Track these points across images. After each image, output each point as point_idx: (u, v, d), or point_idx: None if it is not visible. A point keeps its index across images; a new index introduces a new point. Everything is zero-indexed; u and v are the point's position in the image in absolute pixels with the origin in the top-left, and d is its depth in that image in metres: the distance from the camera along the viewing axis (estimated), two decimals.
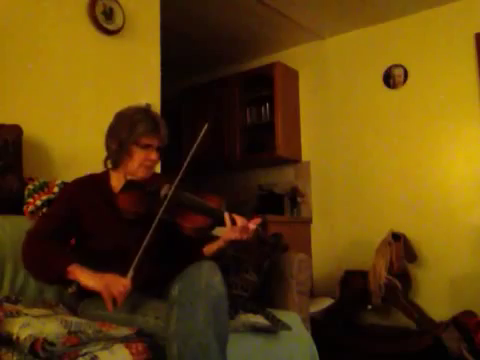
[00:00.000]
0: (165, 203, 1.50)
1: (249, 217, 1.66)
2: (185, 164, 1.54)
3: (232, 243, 1.68)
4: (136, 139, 1.65)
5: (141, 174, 1.69)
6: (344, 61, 4.03)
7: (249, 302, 1.88)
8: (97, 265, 1.49)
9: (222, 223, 1.62)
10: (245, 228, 1.61)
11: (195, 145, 1.54)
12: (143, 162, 1.68)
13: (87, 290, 1.61)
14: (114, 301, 1.39)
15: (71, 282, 1.46)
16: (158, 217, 1.48)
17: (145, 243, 1.44)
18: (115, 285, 1.40)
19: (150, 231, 1.45)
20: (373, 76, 3.84)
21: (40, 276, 1.60)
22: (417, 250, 3.42)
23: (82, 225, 1.64)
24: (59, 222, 1.62)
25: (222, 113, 4.33)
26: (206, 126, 1.56)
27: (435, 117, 3.53)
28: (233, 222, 1.61)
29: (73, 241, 1.72)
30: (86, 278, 1.44)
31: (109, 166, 1.76)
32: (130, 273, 1.42)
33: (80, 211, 1.64)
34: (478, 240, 3.28)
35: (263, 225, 1.66)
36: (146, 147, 1.67)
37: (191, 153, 1.54)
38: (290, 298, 2.05)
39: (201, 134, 1.56)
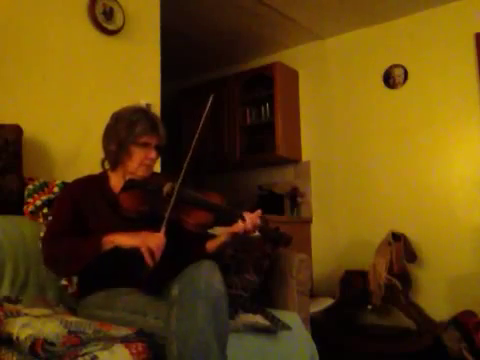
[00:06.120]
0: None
1: None
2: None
3: (236, 237, 1.69)
4: (135, 138, 1.66)
5: (141, 173, 1.70)
6: (344, 61, 4.03)
7: (249, 302, 1.88)
8: (101, 264, 1.51)
9: (225, 218, 1.63)
10: (250, 220, 1.62)
11: (202, 119, 1.56)
12: (143, 161, 1.68)
13: (87, 289, 1.62)
14: (152, 255, 1.44)
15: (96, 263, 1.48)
16: (167, 215, 1.49)
17: (171, 204, 1.48)
18: (151, 239, 1.46)
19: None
20: (373, 76, 3.84)
21: (71, 267, 1.55)
22: (417, 250, 3.42)
23: (85, 225, 1.64)
24: (68, 224, 1.62)
25: (222, 113, 4.33)
26: (211, 98, 1.58)
27: (435, 117, 3.54)
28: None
29: None
30: (123, 239, 1.49)
31: (106, 167, 1.76)
32: (163, 228, 1.47)
33: (83, 211, 1.65)
34: (478, 240, 3.28)
35: (264, 219, 1.68)
36: (145, 146, 1.68)
37: (198, 132, 1.55)
38: (290, 298, 2.05)
39: (208, 106, 1.57)
